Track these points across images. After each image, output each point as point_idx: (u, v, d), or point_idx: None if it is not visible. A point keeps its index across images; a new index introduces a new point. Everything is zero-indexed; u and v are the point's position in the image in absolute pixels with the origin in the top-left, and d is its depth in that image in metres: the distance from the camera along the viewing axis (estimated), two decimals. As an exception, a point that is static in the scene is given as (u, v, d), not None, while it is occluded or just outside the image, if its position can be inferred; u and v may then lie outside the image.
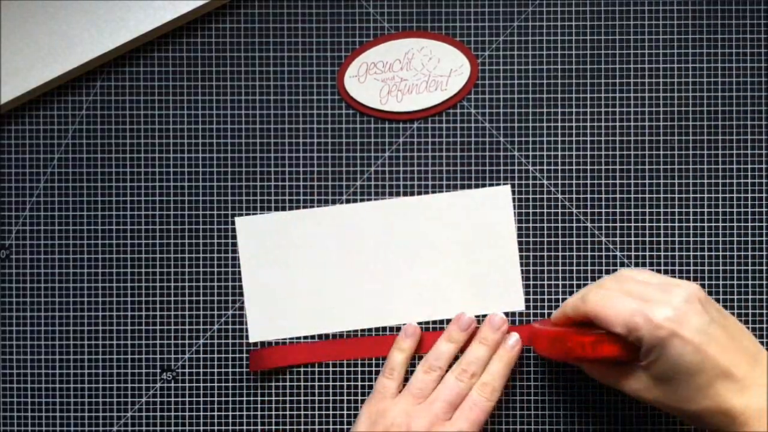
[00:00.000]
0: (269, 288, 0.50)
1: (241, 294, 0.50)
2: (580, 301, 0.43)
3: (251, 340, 0.50)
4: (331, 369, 0.50)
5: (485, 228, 0.50)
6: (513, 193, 0.50)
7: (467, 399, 0.45)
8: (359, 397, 0.50)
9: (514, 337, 0.47)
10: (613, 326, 0.40)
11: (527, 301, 0.50)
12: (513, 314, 0.50)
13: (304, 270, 0.50)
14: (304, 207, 0.50)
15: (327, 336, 0.50)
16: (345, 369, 0.50)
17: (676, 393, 0.39)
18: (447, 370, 0.47)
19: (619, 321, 0.40)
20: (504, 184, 0.50)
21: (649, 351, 0.39)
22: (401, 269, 0.50)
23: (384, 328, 0.50)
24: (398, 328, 0.50)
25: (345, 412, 0.50)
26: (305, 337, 0.50)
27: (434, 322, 0.50)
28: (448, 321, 0.49)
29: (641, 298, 0.40)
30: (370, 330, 0.50)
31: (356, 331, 0.50)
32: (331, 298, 0.50)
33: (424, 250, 0.50)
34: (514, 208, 0.50)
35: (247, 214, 0.50)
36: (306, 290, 0.50)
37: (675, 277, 0.49)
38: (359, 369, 0.50)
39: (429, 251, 0.50)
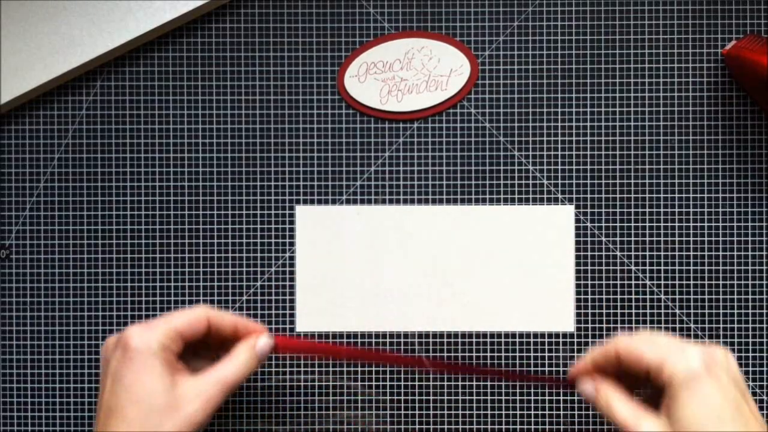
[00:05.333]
0: (320, 281, 0.50)
1: (241, 294, 0.50)
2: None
3: (298, 329, 0.50)
4: (337, 368, 0.50)
5: (543, 245, 0.49)
6: (513, 193, 0.50)
7: None
8: (359, 396, 0.50)
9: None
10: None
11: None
12: (564, 335, 0.49)
13: (351, 266, 0.50)
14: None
15: (369, 335, 0.50)
16: (347, 370, 0.50)
17: None
18: None
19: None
20: (566, 204, 0.50)
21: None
22: (454, 276, 0.49)
23: (430, 333, 0.50)
24: (446, 334, 0.50)
25: (345, 412, 0.50)
26: (348, 334, 0.50)
27: (477, 335, 0.50)
28: (492, 333, 0.49)
29: None
30: (414, 333, 0.50)
31: (399, 332, 0.50)
32: (378, 297, 0.50)
33: (477, 260, 0.49)
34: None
35: (252, 213, 0.50)
36: (354, 287, 0.50)
37: (675, 277, 0.50)
38: (360, 370, 0.50)
39: (482, 262, 0.49)
